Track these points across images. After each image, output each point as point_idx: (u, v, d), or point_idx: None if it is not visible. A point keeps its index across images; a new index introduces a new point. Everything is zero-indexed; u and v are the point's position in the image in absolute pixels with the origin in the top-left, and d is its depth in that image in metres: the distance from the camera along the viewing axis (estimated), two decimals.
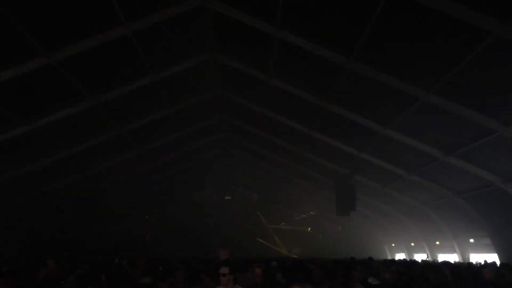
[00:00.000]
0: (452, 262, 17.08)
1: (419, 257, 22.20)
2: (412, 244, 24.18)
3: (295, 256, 28.59)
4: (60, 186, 17.33)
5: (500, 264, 11.17)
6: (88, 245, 20.57)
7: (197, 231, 32.76)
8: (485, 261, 14.66)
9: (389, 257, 25.16)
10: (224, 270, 4.95)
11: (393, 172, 17.08)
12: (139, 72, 12.84)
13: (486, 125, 10.76)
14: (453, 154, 13.23)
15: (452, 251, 19.53)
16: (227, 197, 31.71)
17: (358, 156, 16.59)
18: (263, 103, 15.71)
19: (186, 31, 12.04)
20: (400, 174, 16.93)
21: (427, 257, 21.10)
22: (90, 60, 11.37)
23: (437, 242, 21.04)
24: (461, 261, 17.86)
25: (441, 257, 19.96)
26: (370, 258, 14.30)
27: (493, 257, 15.75)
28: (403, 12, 8.83)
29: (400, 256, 25.53)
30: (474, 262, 15.20)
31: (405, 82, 10.74)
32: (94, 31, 10.36)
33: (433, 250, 21.52)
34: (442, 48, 9.33)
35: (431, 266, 11.21)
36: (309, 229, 32.79)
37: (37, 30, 9.72)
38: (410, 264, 13.68)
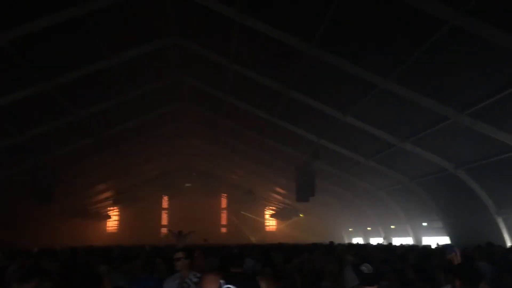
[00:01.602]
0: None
1: (375, 241, 22.93)
2: (369, 228, 24.91)
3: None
4: (12, 174, 16.54)
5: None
6: (43, 235, 19.90)
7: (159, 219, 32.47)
8: (437, 243, 15.32)
9: (347, 242, 25.83)
10: (178, 255, 4.94)
11: (351, 158, 17.45)
12: (96, 55, 12.35)
13: (440, 112, 11.13)
14: (408, 140, 13.64)
15: (406, 234, 20.27)
16: (187, 185, 31.51)
17: (318, 142, 16.81)
18: (224, 89, 15.57)
19: (145, 14, 11.68)
20: (358, 160, 17.32)
21: (383, 240, 21.80)
22: (42, 42, 10.81)
23: (392, 226, 21.77)
24: (415, 243, 18.57)
25: (396, 241, 20.70)
26: (331, 243, 14.62)
27: (444, 240, 16.47)
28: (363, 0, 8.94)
29: (357, 240, 26.28)
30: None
31: (364, 69, 10.92)
32: (45, 11, 9.83)
33: (388, 234, 22.26)
34: (400, 36, 9.51)
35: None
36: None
37: None
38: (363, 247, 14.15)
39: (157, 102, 17.47)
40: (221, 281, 3.02)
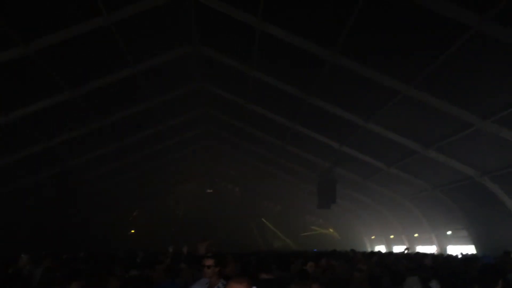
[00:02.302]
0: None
1: (398, 249, 22.56)
2: (392, 236, 24.54)
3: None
4: (38, 180, 16.98)
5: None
6: (66, 240, 20.30)
7: (179, 225, 32.66)
8: (461, 253, 14.98)
9: (369, 249, 25.49)
10: (208, 262, 4.93)
11: (374, 165, 17.27)
12: (120, 63, 12.63)
13: (465, 118, 10.95)
14: (432, 148, 13.45)
15: (430, 243, 19.90)
16: (208, 190, 31.60)
17: (340, 149, 16.72)
18: (246, 96, 15.67)
19: (168, 23, 11.90)
20: (380, 167, 17.13)
21: (406, 249, 21.42)
22: (69, 51, 11.14)
23: (416, 234, 21.40)
24: (440, 252, 18.20)
25: (420, 249, 20.33)
26: (352, 251, 14.48)
27: (469, 249, 16.11)
28: (385, 6, 8.90)
29: (379, 248, 25.90)
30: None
31: (386, 76, 10.85)
32: (72, 21, 10.14)
33: (412, 242, 21.88)
34: (423, 42, 9.43)
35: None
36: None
37: (13, 20, 9.46)
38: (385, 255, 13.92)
39: (179, 109, 17.68)
40: None
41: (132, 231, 32.82)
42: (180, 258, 9.52)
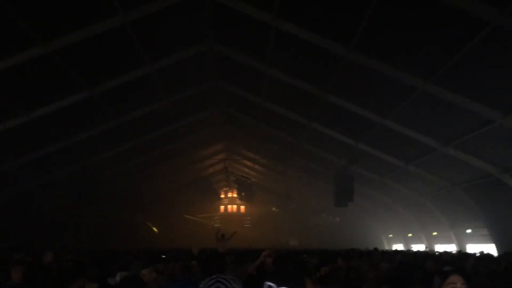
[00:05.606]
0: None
1: (417, 248, 22.29)
2: (410, 234, 24.26)
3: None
4: (57, 177, 17.26)
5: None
6: (84, 238, 20.61)
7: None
8: (482, 252, 14.70)
9: (387, 248, 25.26)
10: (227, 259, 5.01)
11: (391, 163, 17.07)
12: (136, 62, 12.71)
13: (485, 115, 10.74)
14: (451, 145, 13.21)
15: (449, 241, 19.60)
16: (225, 188, 31.70)
17: (356, 146, 16.57)
18: (261, 93, 15.64)
19: (183, 21, 11.93)
20: (398, 164, 16.93)
21: (425, 247, 21.19)
22: (86, 50, 11.25)
23: (435, 233, 21.11)
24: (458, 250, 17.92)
25: (438, 248, 20.05)
26: (376, 249, 14.28)
27: (490, 248, 15.80)
28: (402, 1, 8.77)
29: (397, 246, 25.64)
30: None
31: (404, 72, 10.70)
32: (89, 21, 10.24)
33: (430, 241, 21.60)
34: (440, 37, 9.28)
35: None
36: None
37: (32, 19, 9.60)
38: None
39: (195, 107, 17.76)
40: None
41: (155, 229, 33.09)
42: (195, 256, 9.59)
